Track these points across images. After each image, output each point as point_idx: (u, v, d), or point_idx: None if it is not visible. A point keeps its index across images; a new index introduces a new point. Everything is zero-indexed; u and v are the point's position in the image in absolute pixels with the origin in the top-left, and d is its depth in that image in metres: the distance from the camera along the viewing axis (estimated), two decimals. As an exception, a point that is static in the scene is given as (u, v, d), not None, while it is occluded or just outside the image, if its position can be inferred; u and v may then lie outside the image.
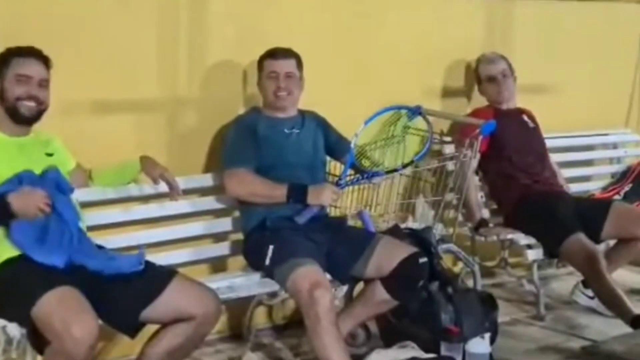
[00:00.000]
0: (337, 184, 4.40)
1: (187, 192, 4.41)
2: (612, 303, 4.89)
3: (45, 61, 3.76)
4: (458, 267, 5.41)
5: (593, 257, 4.89)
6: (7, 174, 3.60)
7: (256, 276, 4.26)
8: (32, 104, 3.72)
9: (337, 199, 4.39)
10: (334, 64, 4.98)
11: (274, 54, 4.47)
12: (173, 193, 4.06)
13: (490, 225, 5.25)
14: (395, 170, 4.54)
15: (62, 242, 3.55)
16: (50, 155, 3.82)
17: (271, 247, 4.16)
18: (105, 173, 4.07)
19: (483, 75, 5.50)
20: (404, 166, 4.55)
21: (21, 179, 3.58)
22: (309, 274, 4.01)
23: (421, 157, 4.58)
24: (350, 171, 4.48)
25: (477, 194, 5.32)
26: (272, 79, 4.44)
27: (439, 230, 4.89)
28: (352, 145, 4.51)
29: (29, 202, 3.47)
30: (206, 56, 4.62)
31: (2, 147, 3.69)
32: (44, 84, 3.75)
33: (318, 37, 4.90)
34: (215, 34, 4.62)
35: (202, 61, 4.61)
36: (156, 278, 3.67)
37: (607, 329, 4.82)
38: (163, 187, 4.08)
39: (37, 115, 3.76)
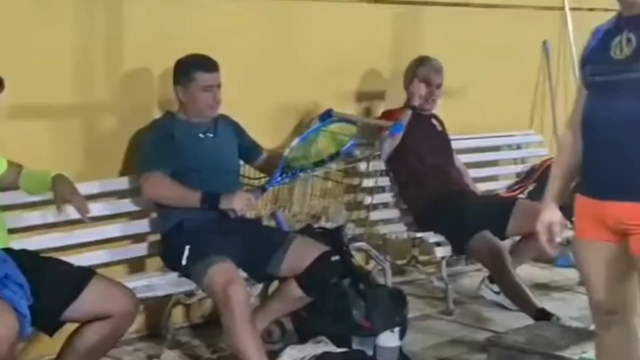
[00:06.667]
0: (267, 183, 4.52)
1: (104, 195, 4.50)
2: (517, 297, 5.07)
3: None
4: (370, 266, 5.50)
5: (498, 253, 5.07)
6: None
7: (173, 276, 4.34)
8: None
9: (253, 205, 4.48)
10: (249, 70, 5.04)
11: (207, 66, 4.48)
12: (82, 216, 4.01)
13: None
14: (322, 161, 4.63)
15: None
16: None
17: (187, 247, 4.25)
18: (28, 178, 4.01)
19: (422, 75, 5.53)
20: (331, 158, 4.64)
21: None
22: (222, 271, 4.12)
23: (349, 149, 4.69)
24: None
25: None
26: (207, 92, 4.47)
27: (350, 229, 5.02)
28: (285, 154, 4.58)
29: None
30: (122, 61, 4.66)
31: None
32: None
33: (234, 44, 4.96)
34: (132, 38, 4.65)
35: (118, 66, 4.65)
36: (75, 278, 3.72)
37: (512, 322, 4.94)
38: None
39: None
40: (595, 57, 3.17)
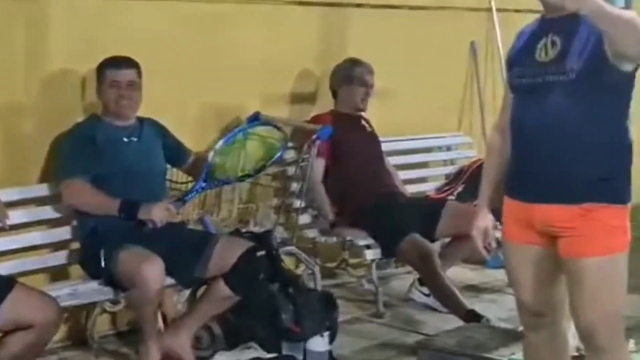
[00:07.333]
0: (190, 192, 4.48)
1: (24, 202, 4.42)
2: (447, 299, 5.08)
3: None
4: (300, 269, 5.46)
5: (428, 255, 5.07)
6: None
7: (96, 283, 4.27)
8: None
9: (172, 215, 4.41)
10: (175, 72, 4.97)
11: (116, 63, 4.45)
12: (1, 223, 3.98)
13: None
14: (249, 175, 4.62)
15: None
16: None
17: (102, 249, 4.20)
18: None
19: (357, 78, 5.53)
20: (258, 171, 4.63)
21: None
22: (135, 253, 4.11)
23: (276, 161, 4.68)
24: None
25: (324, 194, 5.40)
26: (114, 87, 4.42)
27: (279, 233, 4.99)
28: (209, 159, 4.55)
29: None
30: (43, 63, 4.58)
31: None
32: None
33: (158, 45, 4.89)
34: (54, 40, 4.58)
35: (39, 68, 4.57)
36: (-4, 288, 3.65)
37: (442, 324, 4.96)
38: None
39: None
40: (521, 59, 3.18)
